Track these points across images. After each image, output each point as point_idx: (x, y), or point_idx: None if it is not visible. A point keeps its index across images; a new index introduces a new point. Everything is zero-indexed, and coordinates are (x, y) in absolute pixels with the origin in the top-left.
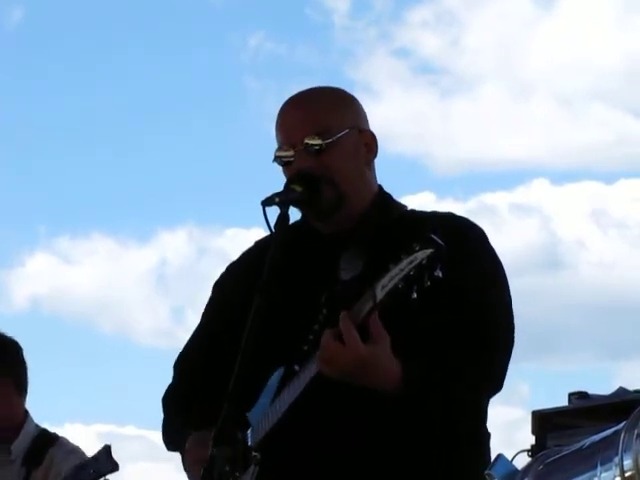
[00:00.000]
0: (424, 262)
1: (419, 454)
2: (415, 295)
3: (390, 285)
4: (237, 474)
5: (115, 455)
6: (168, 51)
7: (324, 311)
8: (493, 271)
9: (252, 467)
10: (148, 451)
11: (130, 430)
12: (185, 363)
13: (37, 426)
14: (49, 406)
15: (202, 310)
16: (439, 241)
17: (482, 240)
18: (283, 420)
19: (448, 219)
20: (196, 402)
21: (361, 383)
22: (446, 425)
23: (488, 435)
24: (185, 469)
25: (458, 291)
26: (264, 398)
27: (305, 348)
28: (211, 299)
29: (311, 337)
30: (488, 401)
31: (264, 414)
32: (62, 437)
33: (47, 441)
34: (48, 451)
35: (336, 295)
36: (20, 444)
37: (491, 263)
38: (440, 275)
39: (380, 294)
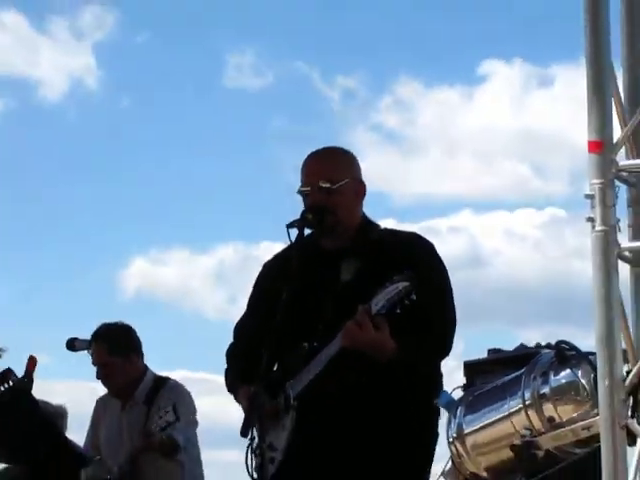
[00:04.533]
0: (403, 291)
1: (402, 392)
2: (399, 310)
3: (380, 304)
4: (280, 416)
5: (192, 390)
6: None
7: (331, 302)
8: (444, 273)
9: (292, 412)
10: (215, 389)
11: (203, 375)
12: (239, 330)
13: (154, 374)
14: (157, 358)
15: (248, 295)
16: (412, 276)
17: (433, 250)
18: (315, 379)
19: (413, 236)
20: (246, 358)
21: (370, 354)
22: (421, 373)
23: (441, 376)
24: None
25: (428, 290)
26: (297, 361)
27: (320, 327)
28: (254, 287)
29: (323, 320)
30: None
31: (300, 374)
32: (172, 379)
33: (160, 384)
34: (160, 391)
35: (339, 291)
36: (141, 390)
37: (440, 266)
38: (414, 298)
39: (374, 309)
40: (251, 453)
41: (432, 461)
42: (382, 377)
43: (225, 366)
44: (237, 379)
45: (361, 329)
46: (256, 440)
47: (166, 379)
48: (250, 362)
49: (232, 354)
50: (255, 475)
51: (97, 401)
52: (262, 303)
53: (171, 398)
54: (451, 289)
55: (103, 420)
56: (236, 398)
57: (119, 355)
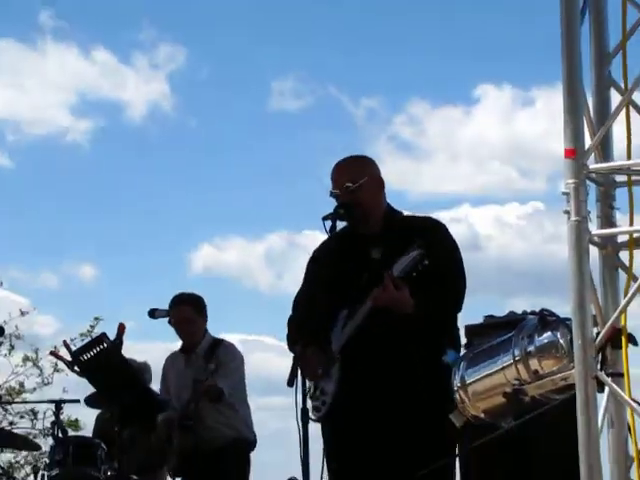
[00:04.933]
0: (417, 258)
1: (423, 345)
2: (415, 274)
3: (399, 270)
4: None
5: (247, 349)
6: None
7: (366, 275)
8: (454, 244)
9: (337, 364)
10: (265, 347)
11: (255, 337)
12: (298, 302)
13: (212, 336)
14: (220, 323)
15: (294, 275)
16: (422, 244)
17: (444, 226)
18: (353, 334)
19: (428, 218)
20: (303, 323)
21: (394, 310)
22: (438, 326)
23: (458, 330)
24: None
25: (439, 256)
26: (339, 324)
27: (357, 295)
28: (306, 269)
29: (359, 289)
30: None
31: (341, 333)
32: (226, 340)
33: (217, 344)
34: (216, 350)
35: (370, 267)
36: (202, 348)
37: (452, 240)
38: (426, 263)
39: (395, 273)
40: (308, 398)
41: (450, 396)
42: (406, 327)
43: (286, 331)
44: (296, 340)
45: (385, 291)
46: (312, 387)
47: (221, 340)
48: (306, 326)
49: (292, 321)
50: (312, 416)
51: (166, 358)
52: (314, 280)
53: (224, 355)
54: (460, 255)
55: (171, 373)
56: (295, 355)
57: (199, 315)
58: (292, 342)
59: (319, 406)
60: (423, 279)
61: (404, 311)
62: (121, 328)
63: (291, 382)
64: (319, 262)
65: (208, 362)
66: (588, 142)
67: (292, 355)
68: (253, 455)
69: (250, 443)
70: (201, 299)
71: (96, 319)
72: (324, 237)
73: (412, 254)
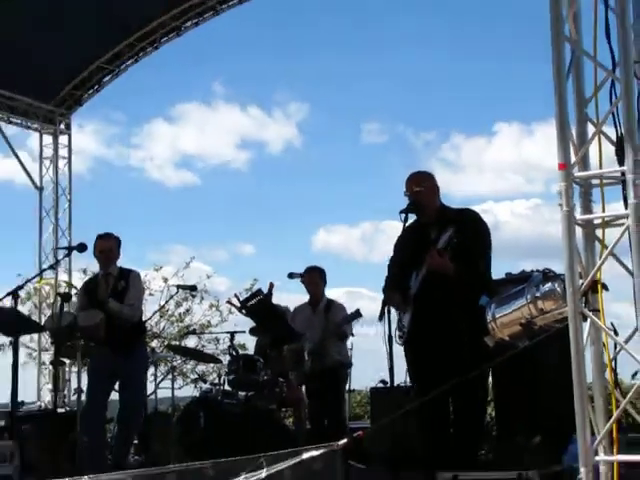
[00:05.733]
0: (452, 236)
1: (463, 293)
2: (450, 247)
3: (441, 244)
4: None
5: (354, 298)
6: None
7: (425, 249)
8: (483, 225)
9: (411, 305)
10: (364, 297)
11: (358, 289)
12: (390, 266)
13: (327, 297)
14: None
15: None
16: (454, 229)
17: (478, 215)
18: (420, 286)
19: (467, 209)
20: (393, 280)
21: (441, 271)
22: (475, 287)
23: (490, 281)
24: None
25: (469, 235)
26: (413, 279)
27: (420, 262)
28: (395, 245)
29: (422, 259)
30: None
31: (414, 284)
32: (336, 301)
33: (331, 302)
34: (330, 307)
35: (431, 243)
36: (322, 303)
37: (483, 223)
38: (455, 241)
39: (440, 246)
40: (395, 329)
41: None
42: (451, 281)
43: (383, 285)
44: (388, 291)
45: (431, 258)
46: (397, 321)
47: (333, 300)
48: (394, 282)
49: (387, 279)
50: (399, 341)
51: (295, 308)
52: (398, 252)
53: (340, 309)
54: (486, 232)
55: (298, 318)
56: (388, 301)
57: (322, 280)
58: (386, 290)
59: (401, 335)
60: (459, 250)
61: (446, 272)
62: (271, 285)
63: (381, 317)
64: (401, 245)
65: (327, 313)
66: (573, 158)
67: (382, 299)
68: (353, 369)
69: (350, 364)
70: (324, 270)
71: (254, 280)
72: (399, 225)
73: (447, 234)
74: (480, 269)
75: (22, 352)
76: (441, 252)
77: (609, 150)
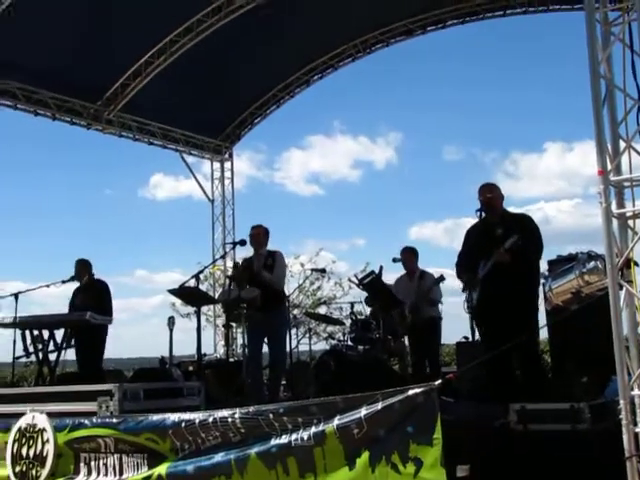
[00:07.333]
0: (516, 239)
1: (519, 284)
2: (514, 248)
3: (507, 246)
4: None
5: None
6: None
7: (492, 244)
8: (536, 227)
9: (480, 284)
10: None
11: (447, 271)
12: (460, 254)
13: (420, 268)
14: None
15: (458, 241)
16: (519, 234)
17: (532, 220)
18: (487, 273)
19: (523, 215)
20: (464, 264)
21: (504, 264)
22: (531, 269)
23: (539, 269)
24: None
25: (528, 236)
26: (481, 266)
27: (488, 254)
28: (465, 236)
29: (491, 250)
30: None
31: (482, 270)
32: (427, 271)
33: (423, 273)
34: (423, 276)
35: (497, 239)
36: (416, 275)
37: (535, 225)
38: (520, 243)
39: (506, 247)
40: (464, 301)
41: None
42: (511, 272)
43: (455, 268)
44: (461, 272)
45: (500, 255)
46: (468, 295)
47: (425, 271)
48: (466, 266)
49: (458, 264)
50: (467, 310)
51: (397, 279)
52: (468, 243)
53: (430, 276)
54: (539, 233)
55: (399, 286)
56: (459, 277)
57: (415, 256)
58: (459, 272)
59: (469, 305)
60: (520, 251)
61: (507, 265)
62: (380, 268)
63: (464, 290)
64: (471, 234)
65: (420, 280)
66: (609, 166)
67: (459, 279)
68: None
69: (440, 318)
70: (415, 248)
71: (367, 263)
72: (474, 220)
73: (514, 238)
74: (534, 266)
75: (203, 318)
76: (507, 251)
77: (637, 160)
